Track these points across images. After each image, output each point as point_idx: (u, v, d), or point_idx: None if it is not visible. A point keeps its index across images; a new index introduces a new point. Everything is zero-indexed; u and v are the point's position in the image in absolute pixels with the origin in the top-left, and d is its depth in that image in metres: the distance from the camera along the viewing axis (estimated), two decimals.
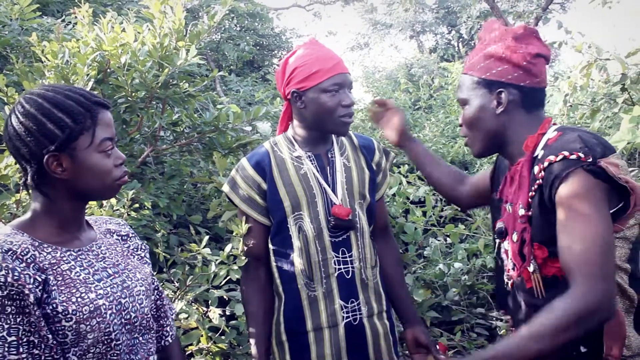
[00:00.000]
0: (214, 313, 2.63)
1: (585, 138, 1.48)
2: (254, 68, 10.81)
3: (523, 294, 1.64)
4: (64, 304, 1.27)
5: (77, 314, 1.28)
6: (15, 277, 1.21)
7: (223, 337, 2.80)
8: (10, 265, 1.21)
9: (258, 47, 10.57)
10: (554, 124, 1.64)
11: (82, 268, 1.36)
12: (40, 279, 1.26)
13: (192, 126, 3.17)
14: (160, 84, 2.76)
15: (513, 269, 1.65)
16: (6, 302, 1.20)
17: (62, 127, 1.29)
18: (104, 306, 1.33)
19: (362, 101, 8.71)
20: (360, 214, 2.08)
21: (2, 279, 1.20)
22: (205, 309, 2.87)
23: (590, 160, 1.43)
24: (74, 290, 1.30)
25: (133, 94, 2.80)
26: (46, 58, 2.80)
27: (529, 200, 1.54)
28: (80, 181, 1.33)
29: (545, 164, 1.47)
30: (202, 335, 2.69)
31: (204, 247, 2.19)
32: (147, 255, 1.60)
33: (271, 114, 3.29)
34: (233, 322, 2.96)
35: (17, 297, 1.21)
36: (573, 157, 1.44)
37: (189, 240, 3.59)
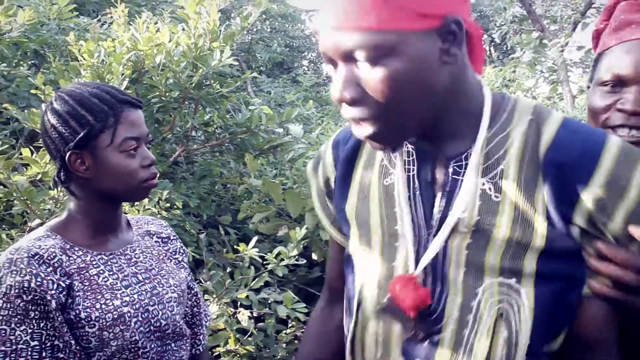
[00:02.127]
0: (243, 315, 2.62)
1: None
2: (284, 69, 10.84)
3: None
4: (88, 310, 1.26)
5: (100, 321, 1.26)
6: (38, 283, 1.20)
7: (250, 339, 2.79)
8: (35, 271, 1.21)
9: (288, 49, 10.59)
10: None
11: (111, 273, 1.33)
12: (64, 285, 1.25)
13: (223, 127, 3.18)
14: (194, 85, 2.77)
15: None
16: (30, 306, 1.20)
17: (83, 124, 1.29)
18: (129, 314, 1.31)
19: None
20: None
21: (26, 284, 1.19)
22: (233, 309, 2.87)
23: None
24: (99, 297, 1.28)
25: (167, 94, 2.81)
26: (82, 57, 2.83)
27: None
28: (104, 181, 1.31)
29: None
30: (229, 337, 2.68)
31: (252, 248, 2.15)
32: (186, 260, 1.57)
33: (303, 116, 3.27)
34: (261, 324, 2.96)
35: (41, 302, 1.20)
36: None
37: (217, 240, 3.60)
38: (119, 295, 1.31)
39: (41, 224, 2.37)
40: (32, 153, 2.42)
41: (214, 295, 2.45)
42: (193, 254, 3.00)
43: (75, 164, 1.30)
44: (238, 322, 2.82)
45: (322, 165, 1.22)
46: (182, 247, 1.57)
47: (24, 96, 3.38)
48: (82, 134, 1.28)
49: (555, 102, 5.91)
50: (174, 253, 1.53)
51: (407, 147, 1.07)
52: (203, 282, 3.05)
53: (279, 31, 10.86)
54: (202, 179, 3.27)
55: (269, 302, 2.68)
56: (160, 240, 1.53)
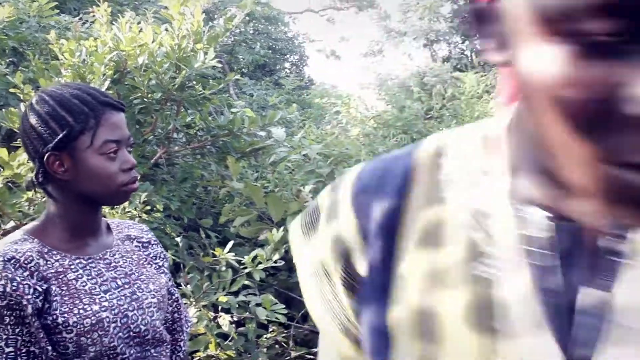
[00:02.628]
0: (224, 319, 2.60)
1: None
2: (266, 72, 10.81)
3: None
4: (65, 315, 1.23)
5: (78, 326, 1.23)
6: (14, 287, 1.17)
7: (231, 344, 2.77)
8: (10, 275, 1.18)
9: (270, 51, 10.57)
10: None
11: (89, 277, 1.30)
12: (41, 289, 1.21)
13: (205, 129, 3.15)
14: (176, 86, 2.74)
15: None
16: (5, 312, 1.17)
17: (62, 125, 1.25)
18: (107, 319, 1.27)
19: (374, 108, 8.69)
20: None
21: (1, 289, 1.16)
22: (213, 314, 2.85)
23: None
24: (77, 302, 1.25)
25: (149, 95, 2.78)
26: (63, 56, 2.79)
27: None
28: (83, 184, 1.28)
29: None
30: (210, 342, 2.66)
31: (228, 252, 2.14)
32: (166, 265, 1.53)
33: (285, 119, 3.26)
34: (241, 328, 2.93)
35: (17, 307, 1.17)
36: None
37: (198, 243, 3.57)
38: (97, 300, 1.28)
39: (15, 227, 2.32)
40: (9, 153, 2.38)
41: (192, 299, 2.42)
42: (173, 257, 2.97)
43: (54, 166, 1.27)
44: (218, 326, 2.80)
45: (334, 233, 0.66)
46: (162, 252, 1.54)
47: (1, 94, 3.32)
48: (61, 135, 1.25)
49: None
50: (154, 258, 1.50)
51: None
52: (182, 285, 3.02)
53: (262, 33, 10.83)
54: (183, 182, 3.24)
55: (249, 305, 2.66)
56: (140, 244, 1.49)
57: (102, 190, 1.29)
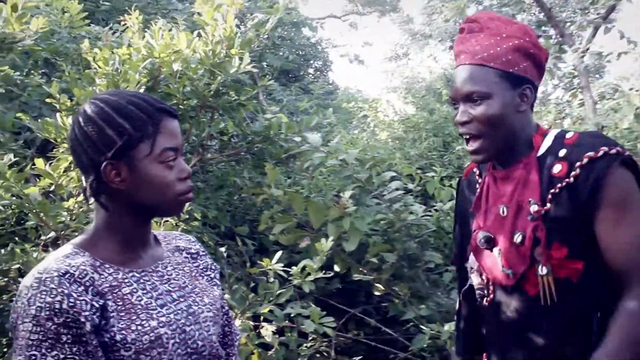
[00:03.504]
0: (267, 330, 2.52)
1: (606, 136, 1.53)
2: (290, 77, 10.77)
3: (519, 303, 1.52)
4: (123, 332, 1.17)
5: (137, 344, 1.17)
6: (71, 304, 1.12)
7: (273, 354, 2.69)
8: (66, 291, 1.12)
9: (297, 57, 10.54)
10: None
11: (144, 292, 1.25)
12: (98, 305, 1.16)
13: (241, 136, 3.10)
14: (212, 92, 2.69)
15: (509, 275, 1.51)
16: (62, 330, 1.11)
17: (120, 133, 1.20)
18: (166, 335, 1.21)
19: (402, 111, 8.58)
20: None
21: (58, 306, 1.11)
22: (253, 323, 2.78)
23: (628, 154, 1.44)
24: (134, 317, 1.20)
25: (184, 102, 2.73)
26: (97, 65, 2.76)
27: (549, 196, 1.46)
28: (139, 193, 1.23)
29: (585, 160, 1.42)
30: (252, 353, 2.59)
31: (276, 262, 2.05)
32: (218, 277, 1.47)
33: (323, 124, 3.19)
34: (282, 338, 2.86)
35: (74, 324, 1.12)
36: (613, 151, 1.41)
37: (235, 252, 3.51)
38: (154, 316, 1.22)
39: (57, 238, 2.29)
40: (45, 164, 2.35)
41: (237, 310, 2.35)
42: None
43: (110, 175, 1.21)
44: (259, 336, 2.73)
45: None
46: (212, 263, 1.47)
47: (35, 105, 3.31)
48: (120, 143, 1.20)
49: (571, 108, 5.83)
50: (205, 270, 1.44)
51: None
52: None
53: (286, 39, 10.81)
54: (218, 189, 3.19)
55: (292, 315, 2.58)
56: (190, 256, 1.43)
57: (159, 200, 1.24)
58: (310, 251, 3.21)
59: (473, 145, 1.52)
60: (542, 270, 1.45)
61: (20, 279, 2.27)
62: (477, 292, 1.64)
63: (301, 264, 1.99)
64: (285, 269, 2.16)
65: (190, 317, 1.28)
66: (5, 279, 2.21)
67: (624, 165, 1.42)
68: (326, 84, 9.26)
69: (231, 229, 3.42)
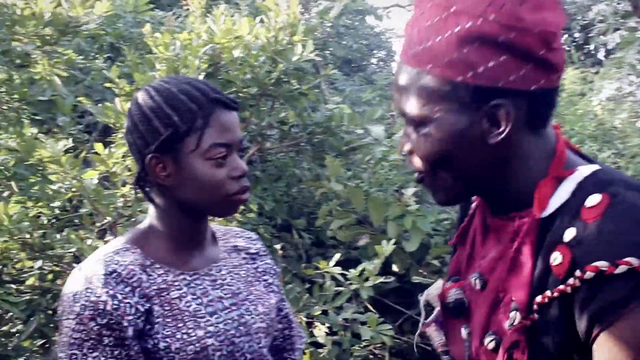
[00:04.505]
0: (320, 330, 2.42)
1: None
2: (353, 67, 10.63)
3: None
4: (167, 339, 1.10)
5: (181, 353, 1.10)
6: (115, 306, 1.06)
7: (325, 353, 2.60)
8: (112, 292, 1.07)
9: (362, 46, 10.39)
10: (574, 149, 0.95)
11: (194, 297, 1.16)
12: (143, 309, 1.10)
13: (301, 126, 3.00)
14: (273, 80, 2.60)
15: None
16: (104, 331, 1.06)
17: (167, 125, 1.11)
18: (213, 347, 1.13)
19: None
20: None
21: (102, 306, 1.06)
22: (306, 319, 2.69)
23: None
24: (180, 325, 1.12)
25: (244, 90, 2.65)
26: (158, 50, 2.71)
27: (535, 306, 0.86)
28: (185, 191, 1.13)
29: (589, 274, 0.79)
30: (304, 352, 2.50)
31: (334, 265, 1.93)
32: (277, 282, 1.36)
33: (386, 117, 3.06)
34: (335, 337, 2.76)
35: (117, 327, 1.06)
36: None
37: (291, 245, 3.43)
38: (202, 324, 1.13)
39: (110, 226, 2.25)
40: (104, 148, 2.32)
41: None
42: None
43: (156, 169, 1.13)
44: (311, 334, 2.64)
45: None
46: (273, 266, 1.36)
47: (99, 89, 3.32)
48: (164, 135, 1.11)
49: None
50: (263, 273, 1.33)
51: None
52: None
53: (350, 28, 10.66)
54: (277, 180, 3.10)
55: (348, 319, 2.46)
56: (248, 256, 1.33)
57: (207, 200, 1.14)
58: (368, 249, 3.10)
59: (421, 179, 0.95)
60: None
61: (75, 265, 2.25)
62: (442, 355, 1.09)
63: (360, 267, 1.86)
64: (343, 272, 2.04)
65: (241, 327, 1.19)
66: (61, 264, 2.19)
67: None
68: (390, 75, 9.07)
69: (288, 222, 3.34)
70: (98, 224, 2.26)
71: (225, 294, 1.20)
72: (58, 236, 2.20)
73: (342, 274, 2.08)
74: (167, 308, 1.12)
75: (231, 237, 1.34)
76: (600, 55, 13.82)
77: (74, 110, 3.15)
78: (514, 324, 0.88)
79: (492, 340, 0.92)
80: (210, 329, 1.14)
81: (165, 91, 1.13)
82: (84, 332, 1.06)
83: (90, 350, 1.06)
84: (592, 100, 8.56)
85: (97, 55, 3.59)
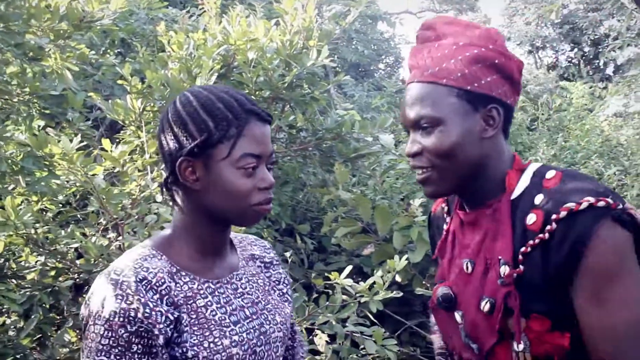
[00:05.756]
0: (321, 339, 2.40)
1: (596, 181, 1.17)
2: (360, 72, 10.61)
3: None
4: (195, 348, 1.10)
5: None
6: (147, 314, 1.06)
7: None
8: (143, 299, 1.06)
9: (372, 52, 10.37)
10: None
11: (218, 305, 1.16)
12: (172, 317, 1.09)
13: (311, 131, 2.98)
14: (286, 84, 2.58)
15: (474, 350, 1.20)
16: (134, 339, 1.06)
17: (201, 130, 1.12)
18: (237, 356, 1.13)
19: None
20: None
21: (133, 314, 1.05)
22: (308, 326, 2.67)
23: (620, 207, 1.09)
24: (207, 333, 1.12)
25: (256, 93, 2.63)
26: (171, 48, 2.69)
27: (520, 256, 1.14)
28: (211, 196, 1.14)
29: (563, 213, 1.09)
30: None
31: (345, 277, 1.90)
32: (290, 292, 1.37)
33: (397, 126, 3.04)
34: (334, 346, 2.74)
35: (146, 335, 1.06)
36: (601, 204, 1.08)
37: (293, 249, 3.41)
38: (228, 334, 1.14)
39: (115, 225, 2.23)
40: (111, 145, 2.30)
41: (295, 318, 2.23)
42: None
43: (186, 172, 1.14)
44: (310, 342, 2.62)
45: None
46: (285, 276, 1.37)
47: (108, 85, 3.30)
48: (198, 140, 1.12)
49: None
50: (277, 282, 1.34)
51: None
52: None
53: (360, 32, 10.65)
54: (284, 185, 3.08)
55: (353, 332, 2.43)
56: (263, 265, 1.34)
57: (232, 208, 1.14)
58: (371, 257, 3.07)
59: (423, 174, 1.22)
60: (518, 346, 1.14)
61: (77, 262, 2.23)
62: (439, 356, 1.37)
63: (369, 281, 1.84)
64: (354, 284, 2.02)
65: (262, 336, 1.20)
66: (64, 261, 2.17)
67: (616, 222, 1.08)
68: (398, 81, 9.05)
69: (291, 226, 3.32)
70: (103, 222, 2.24)
71: (246, 303, 1.21)
72: (62, 232, 2.18)
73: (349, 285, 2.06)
74: (193, 316, 1.12)
75: (247, 245, 1.35)
76: (609, 70, 13.80)
77: (83, 105, 3.14)
78: (504, 275, 1.15)
79: (487, 303, 1.17)
80: (235, 338, 1.14)
81: (203, 97, 1.15)
82: (113, 338, 1.05)
83: (119, 357, 1.05)
84: (599, 115, 8.53)
85: (108, 50, 3.57)
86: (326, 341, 2.47)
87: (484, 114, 1.18)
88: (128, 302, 1.05)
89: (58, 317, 2.40)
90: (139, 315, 1.05)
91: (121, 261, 1.14)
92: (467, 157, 1.19)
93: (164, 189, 1.20)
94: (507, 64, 1.20)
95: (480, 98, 1.18)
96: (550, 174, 1.17)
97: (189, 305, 1.13)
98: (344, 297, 2.20)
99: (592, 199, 1.08)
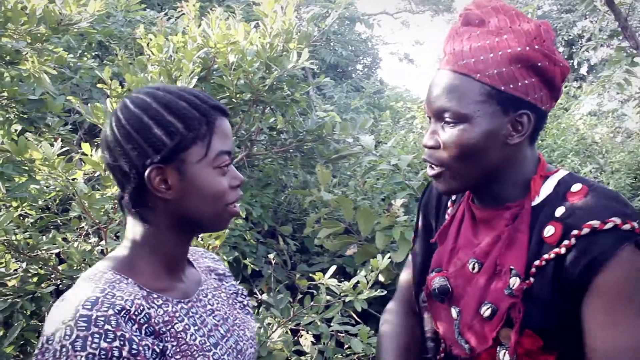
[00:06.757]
0: (306, 340, 2.41)
1: (624, 199, 1.10)
2: (338, 73, 10.63)
3: None
4: None
5: None
6: (134, 351, 0.92)
7: None
8: (127, 335, 0.92)
9: (350, 53, 10.40)
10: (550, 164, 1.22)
11: (196, 328, 1.06)
12: (158, 349, 0.97)
13: (292, 133, 2.98)
14: (267, 87, 2.58)
15: (464, 349, 1.19)
16: None
17: (171, 133, 1.01)
18: None
19: None
20: None
21: (117, 353, 0.90)
22: (292, 326, 2.67)
23: None
24: None
25: (237, 95, 2.63)
26: (150, 51, 2.68)
27: (533, 269, 1.10)
28: (187, 203, 1.03)
29: (585, 230, 1.05)
30: (288, 359, 2.48)
31: (330, 277, 1.92)
32: (249, 304, 1.29)
33: (376, 127, 3.06)
34: (320, 346, 2.75)
35: None
36: (627, 227, 1.03)
37: (276, 251, 3.41)
38: (211, 358, 1.05)
39: (97, 229, 2.21)
40: (91, 149, 2.28)
41: (279, 319, 2.24)
42: (253, 265, 2.82)
43: (155, 182, 1.02)
44: (296, 342, 2.63)
45: None
46: (241, 288, 1.30)
47: (86, 88, 3.27)
48: (170, 144, 1.01)
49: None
50: (234, 295, 1.26)
51: None
52: (259, 294, 2.86)
53: (337, 33, 10.68)
54: (265, 187, 3.08)
55: (339, 331, 2.44)
56: (218, 278, 1.26)
57: (209, 211, 1.05)
58: (353, 257, 3.09)
59: (435, 170, 1.16)
60: (504, 356, 1.12)
61: (59, 267, 2.21)
62: (428, 340, 1.32)
63: (353, 280, 1.86)
64: (339, 284, 2.03)
65: (239, 355, 1.13)
66: (45, 267, 2.15)
67: (637, 249, 1.04)
68: (376, 82, 9.09)
69: (273, 228, 3.32)
70: (85, 227, 2.22)
71: (217, 321, 1.13)
72: (44, 238, 2.16)
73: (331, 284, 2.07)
74: (174, 344, 1.02)
75: (199, 258, 1.27)
76: (583, 70, 14.02)
77: (62, 109, 3.10)
78: (514, 287, 1.11)
79: (488, 309, 1.14)
80: None
81: (162, 98, 1.04)
82: None
83: None
84: (575, 114, 8.66)
85: (85, 53, 3.54)
86: (311, 342, 2.48)
87: (513, 118, 1.10)
88: (108, 340, 0.90)
89: (40, 324, 2.37)
90: (124, 353, 0.90)
91: (82, 289, 0.97)
92: (485, 162, 1.12)
93: (125, 208, 1.07)
94: (550, 68, 1.09)
95: (513, 101, 1.09)
96: (576, 187, 1.11)
97: (169, 332, 1.02)
98: (328, 297, 2.21)
99: (618, 220, 1.04)
